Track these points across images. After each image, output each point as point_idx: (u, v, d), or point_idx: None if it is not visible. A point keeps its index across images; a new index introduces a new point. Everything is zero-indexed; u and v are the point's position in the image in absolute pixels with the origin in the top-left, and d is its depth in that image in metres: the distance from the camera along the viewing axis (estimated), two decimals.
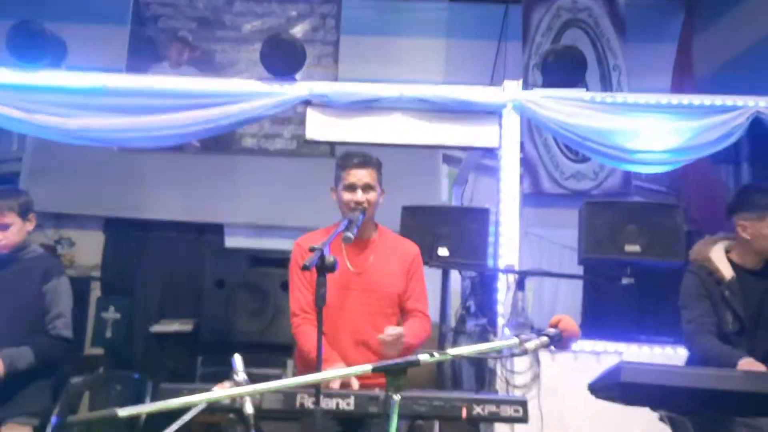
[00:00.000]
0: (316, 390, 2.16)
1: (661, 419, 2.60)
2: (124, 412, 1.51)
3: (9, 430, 3.00)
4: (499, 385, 3.63)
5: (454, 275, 4.61)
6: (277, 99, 3.86)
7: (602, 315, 3.98)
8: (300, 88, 3.91)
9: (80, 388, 3.78)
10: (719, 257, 2.93)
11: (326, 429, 2.61)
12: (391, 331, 2.67)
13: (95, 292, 5.58)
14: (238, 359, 1.84)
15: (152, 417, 3.53)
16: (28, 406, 3.06)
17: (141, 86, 4.01)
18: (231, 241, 5.57)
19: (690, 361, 2.97)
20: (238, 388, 1.74)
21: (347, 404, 2.36)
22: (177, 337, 5.11)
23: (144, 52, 5.67)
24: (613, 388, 2.16)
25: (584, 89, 4.01)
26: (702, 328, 2.85)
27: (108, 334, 5.21)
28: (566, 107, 3.85)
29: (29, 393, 3.07)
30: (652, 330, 3.87)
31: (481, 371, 4.01)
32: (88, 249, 5.69)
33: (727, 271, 2.89)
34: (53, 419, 3.18)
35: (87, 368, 4.79)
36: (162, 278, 5.56)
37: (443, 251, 3.76)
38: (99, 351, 5.33)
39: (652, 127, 3.88)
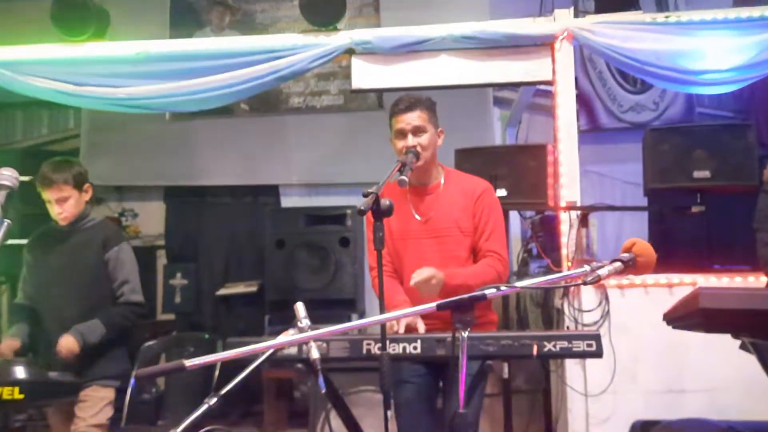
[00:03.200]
0: (382, 335, 2.13)
1: (744, 348, 2.48)
2: (191, 363, 1.52)
3: (93, 392, 3.11)
4: (568, 324, 3.56)
5: (513, 218, 4.52)
6: (321, 49, 3.79)
7: (671, 246, 3.82)
8: (343, 36, 3.83)
9: (155, 351, 3.92)
10: None
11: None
12: (417, 274, 2.50)
13: (161, 260, 5.74)
14: (300, 306, 1.82)
15: (226, 372, 3.63)
16: (109, 370, 3.17)
17: (185, 49, 4.01)
18: (287, 201, 5.61)
19: None
20: (303, 333, 1.72)
21: (414, 348, 2.33)
22: (243, 299, 5.22)
23: (186, 20, 5.67)
24: (692, 315, 2.04)
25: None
26: None
27: (177, 299, 5.36)
28: (623, 31, 3.65)
29: (109, 357, 3.17)
30: (724, 258, 3.71)
31: (548, 312, 3.94)
32: (151, 219, 5.83)
33: None
34: (132, 381, 3.31)
35: (160, 333, 4.94)
36: (224, 242, 5.67)
37: (501, 192, 3.65)
38: (170, 316, 5.50)
39: (715, 46, 3.65)
